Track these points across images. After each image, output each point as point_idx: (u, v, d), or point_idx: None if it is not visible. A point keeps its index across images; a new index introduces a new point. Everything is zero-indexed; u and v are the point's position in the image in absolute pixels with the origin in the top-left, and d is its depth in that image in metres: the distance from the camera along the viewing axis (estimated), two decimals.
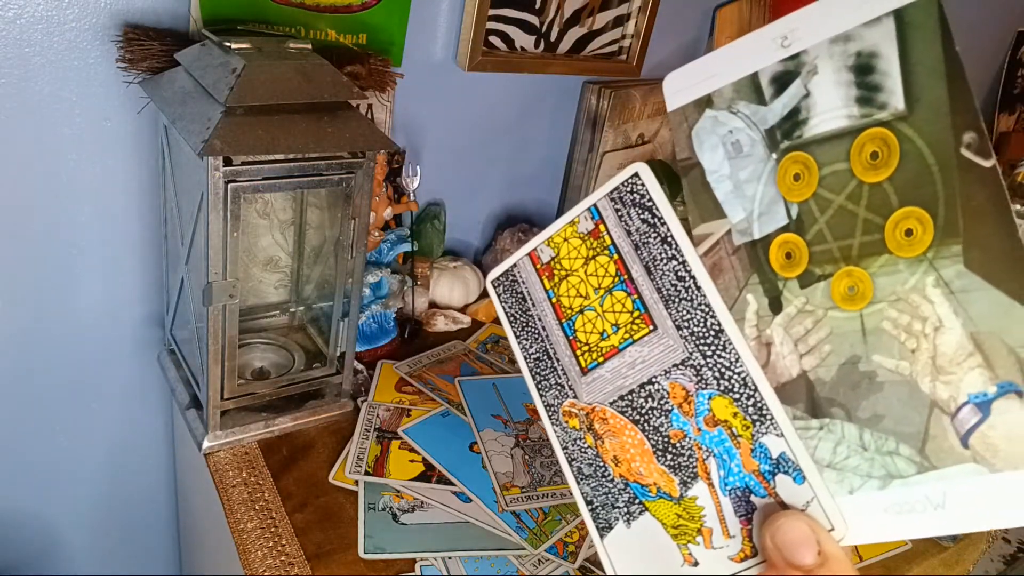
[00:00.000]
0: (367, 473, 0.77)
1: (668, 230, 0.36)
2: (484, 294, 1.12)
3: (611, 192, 0.38)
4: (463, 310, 1.08)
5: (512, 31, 1.02)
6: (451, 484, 0.78)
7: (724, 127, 0.35)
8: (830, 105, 0.32)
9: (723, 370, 0.34)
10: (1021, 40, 1.87)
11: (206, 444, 0.78)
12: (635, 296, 0.37)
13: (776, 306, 0.35)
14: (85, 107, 0.79)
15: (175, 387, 0.87)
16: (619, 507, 0.37)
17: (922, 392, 0.31)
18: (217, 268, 0.69)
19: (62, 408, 0.95)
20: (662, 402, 0.36)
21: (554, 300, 0.40)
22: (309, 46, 0.72)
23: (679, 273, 0.35)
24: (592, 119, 1.15)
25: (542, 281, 0.41)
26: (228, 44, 0.68)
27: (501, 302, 0.42)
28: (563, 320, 0.40)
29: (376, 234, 0.94)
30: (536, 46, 1.05)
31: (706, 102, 0.36)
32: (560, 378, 0.40)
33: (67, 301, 0.89)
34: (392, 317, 0.97)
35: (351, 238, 0.77)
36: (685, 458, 0.35)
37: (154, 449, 1.07)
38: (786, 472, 0.32)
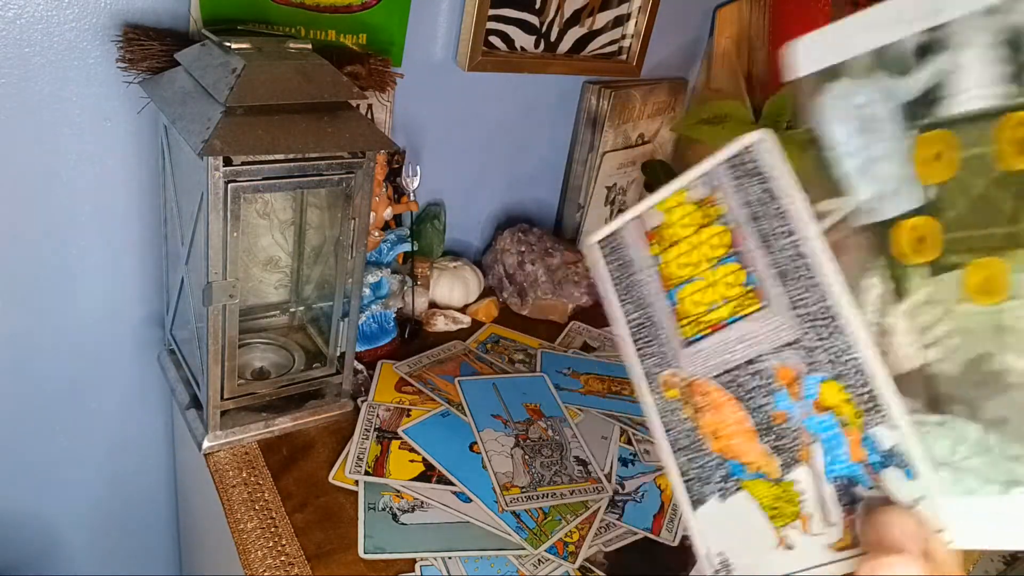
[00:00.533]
0: (367, 473, 0.77)
1: (789, 203, 0.34)
2: (484, 294, 1.12)
3: (731, 159, 0.36)
4: (463, 310, 1.08)
5: (512, 31, 1.02)
6: (451, 484, 0.78)
7: (856, 98, 0.33)
8: (978, 82, 0.30)
9: (837, 354, 0.32)
10: None
11: (206, 444, 0.78)
12: (748, 269, 0.35)
13: (901, 292, 0.33)
14: (85, 107, 0.79)
15: (175, 387, 0.87)
16: (714, 482, 0.36)
17: None
18: (217, 268, 0.69)
19: (62, 408, 0.95)
20: (768, 381, 0.34)
21: (660, 267, 0.38)
22: (309, 46, 0.72)
23: (798, 249, 0.34)
24: (592, 119, 1.15)
25: (649, 246, 0.39)
26: (228, 44, 0.68)
27: (604, 265, 0.40)
28: (668, 288, 0.38)
29: (376, 234, 0.94)
30: (536, 46, 1.05)
31: (836, 71, 0.33)
32: (661, 347, 0.38)
33: (67, 301, 0.89)
34: (392, 317, 0.97)
35: (351, 238, 0.77)
36: (788, 440, 0.34)
37: (154, 449, 1.07)
38: (897, 465, 0.31)
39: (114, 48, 0.77)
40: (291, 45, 0.71)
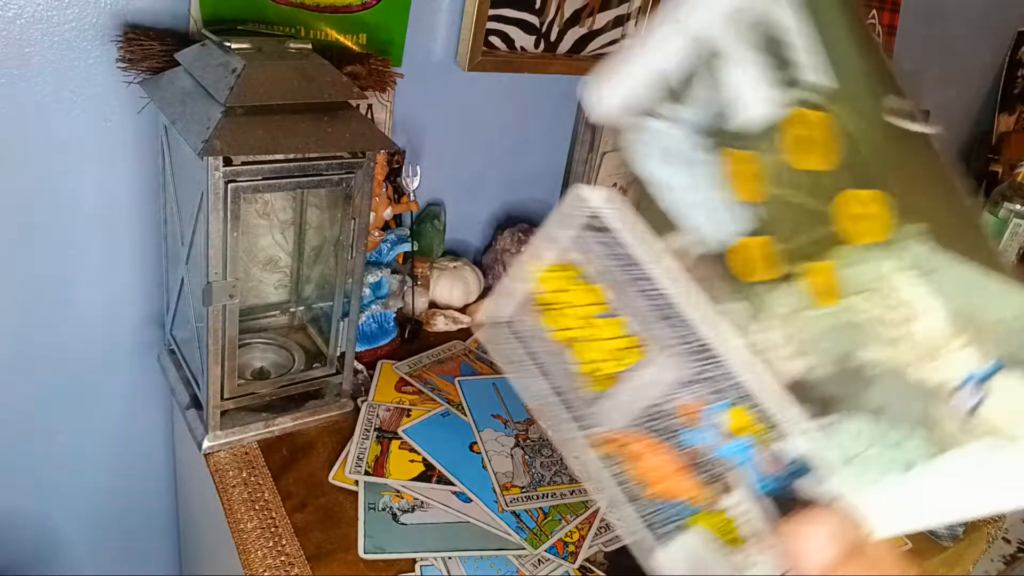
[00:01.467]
0: (367, 473, 0.77)
1: (635, 251, 0.34)
2: (484, 294, 1.12)
3: (564, 218, 0.36)
4: (463, 310, 1.08)
5: (512, 31, 1.02)
6: (451, 484, 0.78)
7: (653, 132, 0.33)
8: (747, 91, 0.30)
9: (725, 382, 0.33)
10: (1021, 40, 1.87)
11: (206, 444, 0.78)
12: (625, 320, 0.36)
13: (758, 313, 0.33)
14: (85, 107, 0.79)
15: (175, 387, 0.87)
16: (658, 527, 0.36)
17: (915, 379, 0.29)
18: (217, 268, 0.69)
19: (62, 408, 0.95)
20: (676, 420, 0.35)
21: (548, 334, 0.39)
22: (309, 46, 0.72)
23: (658, 293, 0.34)
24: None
25: (532, 316, 0.39)
26: (228, 44, 0.68)
27: (494, 349, 0.41)
28: (561, 352, 0.38)
29: (376, 234, 0.94)
30: (536, 46, 1.05)
31: (629, 109, 0.34)
32: (572, 410, 0.38)
33: (67, 301, 0.89)
34: (392, 317, 0.97)
35: (351, 238, 0.77)
36: (715, 470, 0.34)
37: (154, 449, 1.07)
38: (808, 472, 0.32)
39: (114, 48, 0.77)
40: (291, 45, 0.71)
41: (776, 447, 0.32)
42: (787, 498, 0.33)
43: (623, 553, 0.74)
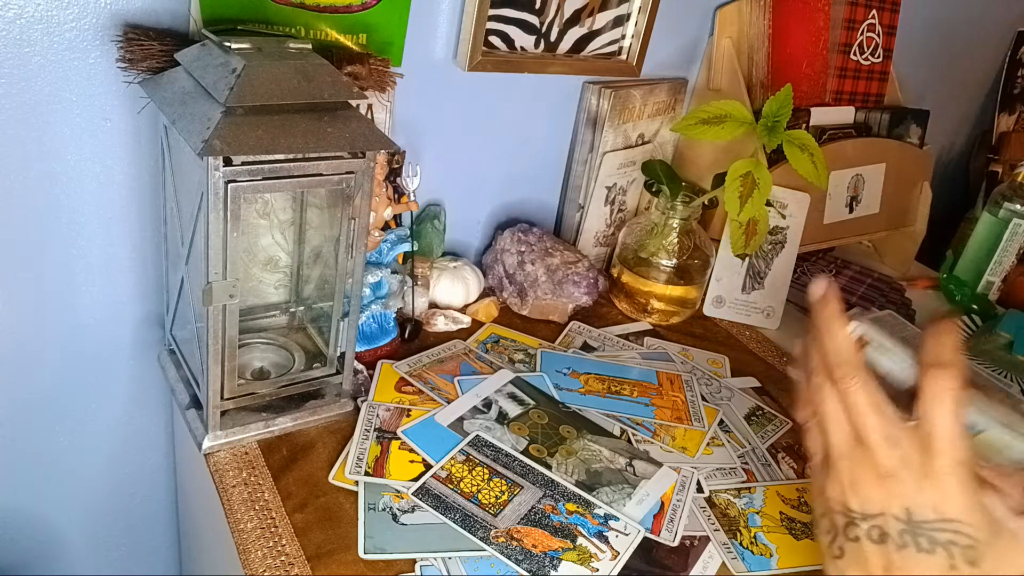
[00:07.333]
0: (367, 473, 0.77)
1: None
2: (484, 294, 1.12)
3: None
4: (463, 310, 1.08)
5: (512, 31, 1.02)
6: None
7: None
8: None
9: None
10: (1021, 40, 1.87)
11: (206, 444, 0.78)
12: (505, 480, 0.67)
13: None
14: (85, 107, 0.80)
15: (175, 387, 0.87)
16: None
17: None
18: (217, 268, 0.69)
19: (62, 408, 0.95)
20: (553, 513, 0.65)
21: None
22: (309, 46, 0.72)
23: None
24: (592, 119, 1.15)
25: (447, 487, 0.72)
26: (228, 44, 0.68)
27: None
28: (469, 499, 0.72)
29: (376, 234, 0.94)
30: (536, 46, 1.05)
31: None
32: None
33: (67, 301, 0.89)
34: (392, 317, 0.97)
35: (351, 238, 0.77)
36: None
37: (154, 449, 1.07)
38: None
39: (114, 48, 0.77)
40: (291, 45, 0.71)
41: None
42: None
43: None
